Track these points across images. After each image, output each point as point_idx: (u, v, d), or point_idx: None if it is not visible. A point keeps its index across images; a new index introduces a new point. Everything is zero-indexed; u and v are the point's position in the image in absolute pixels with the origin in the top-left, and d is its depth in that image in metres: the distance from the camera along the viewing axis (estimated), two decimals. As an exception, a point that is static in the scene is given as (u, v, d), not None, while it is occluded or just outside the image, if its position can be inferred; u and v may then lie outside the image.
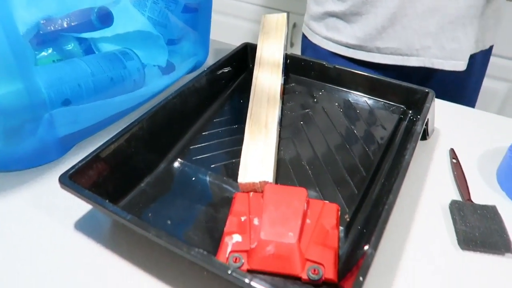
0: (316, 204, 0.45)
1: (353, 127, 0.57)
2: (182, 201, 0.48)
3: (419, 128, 0.49)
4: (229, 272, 0.34)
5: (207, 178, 0.51)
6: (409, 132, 0.52)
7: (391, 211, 0.39)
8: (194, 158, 0.53)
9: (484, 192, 0.51)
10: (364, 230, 0.42)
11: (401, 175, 0.42)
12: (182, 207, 0.47)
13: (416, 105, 0.57)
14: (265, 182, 0.46)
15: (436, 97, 0.58)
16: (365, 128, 0.57)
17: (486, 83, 1.36)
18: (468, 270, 0.42)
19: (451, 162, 0.55)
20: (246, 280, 0.33)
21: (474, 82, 0.89)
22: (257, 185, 0.47)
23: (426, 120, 0.52)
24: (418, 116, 0.52)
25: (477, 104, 1.05)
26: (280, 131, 0.56)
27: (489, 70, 0.94)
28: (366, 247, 0.36)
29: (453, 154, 0.56)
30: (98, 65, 0.56)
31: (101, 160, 0.46)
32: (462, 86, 0.87)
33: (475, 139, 0.60)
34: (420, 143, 0.59)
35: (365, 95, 0.62)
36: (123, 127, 0.49)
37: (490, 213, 0.47)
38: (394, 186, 0.41)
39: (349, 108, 0.60)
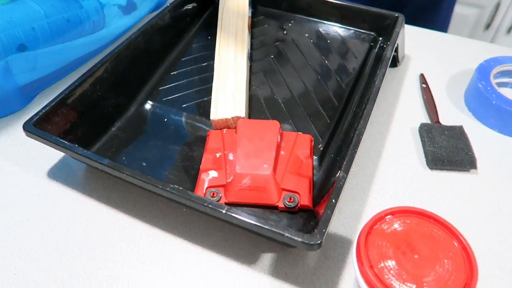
0: (290, 136, 0.46)
1: (324, 57, 0.56)
2: (156, 142, 0.48)
3: (389, 54, 0.48)
4: (206, 204, 0.34)
5: (180, 118, 0.50)
6: (379, 59, 0.52)
7: (362, 136, 0.39)
8: (165, 99, 0.52)
9: (452, 114, 0.53)
10: (337, 158, 0.43)
11: (371, 101, 0.43)
12: (156, 148, 0.47)
13: (386, 31, 0.56)
14: (238, 118, 0.46)
15: (409, 23, 0.57)
16: (336, 58, 0.56)
17: (457, 9, 1.35)
18: (436, 187, 0.45)
19: (421, 86, 0.56)
20: (223, 211, 0.34)
21: (446, 8, 0.88)
22: (229, 121, 0.47)
23: (396, 46, 0.52)
24: (388, 42, 0.51)
25: (449, 30, 1.05)
26: (250, 66, 0.55)
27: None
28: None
29: (422, 79, 0.57)
30: (52, 6, 0.52)
31: (66, 106, 0.44)
32: (434, 12, 0.86)
33: (444, 63, 0.60)
34: (391, 70, 0.59)
35: (336, 24, 0.60)
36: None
37: (457, 133, 0.48)
38: (364, 112, 0.41)
39: (320, 38, 0.59)
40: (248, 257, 0.39)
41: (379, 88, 0.45)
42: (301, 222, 0.40)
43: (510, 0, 1.28)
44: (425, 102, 0.54)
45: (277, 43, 0.58)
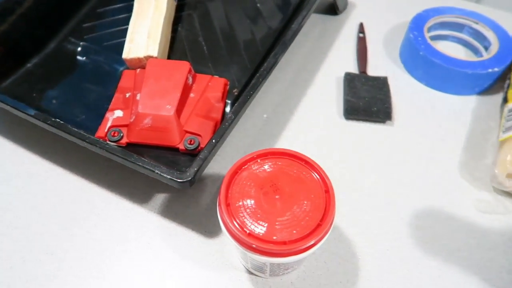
0: (203, 78, 0.44)
1: (258, 1, 0.53)
2: (71, 81, 0.46)
3: (314, -3, 0.46)
4: (83, 138, 0.34)
5: (99, 57, 0.48)
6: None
7: (262, 79, 0.38)
8: (86, 36, 0.50)
9: (384, 65, 0.51)
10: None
11: (282, 44, 0.41)
12: (70, 87, 0.46)
13: (325, -25, 0.53)
14: (151, 57, 0.45)
15: None
16: (270, 2, 0.53)
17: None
18: (347, 137, 0.44)
19: (358, 36, 0.54)
20: (97, 145, 0.33)
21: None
22: (143, 60, 0.45)
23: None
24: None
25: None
26: (180, 6, 0.53)
27: None
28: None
29: (361, 28, 0.55)
30: None
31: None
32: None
33: (389, 12, 0.58)
34: (331, 18, 0.57)
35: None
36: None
37: (380, 84, 0.47)
38: (271, 55, 0.40)
39: (259, -19, 0.56)
40: (141, 196, 0.39)
41: (295, 31, 0.43)
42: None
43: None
44: (357, 52, 0.52)
45: (213, -17, 0.56)
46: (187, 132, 0.41)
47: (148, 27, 0.46)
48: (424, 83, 0.49)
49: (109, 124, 0.42)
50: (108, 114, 0.42)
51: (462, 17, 0.51)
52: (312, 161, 0.31)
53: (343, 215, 0.38)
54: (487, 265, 0.35)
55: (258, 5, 0.53)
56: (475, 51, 0.52)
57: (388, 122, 0.45)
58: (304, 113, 0.46)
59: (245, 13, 0.52)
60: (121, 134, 0.41)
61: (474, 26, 0.51)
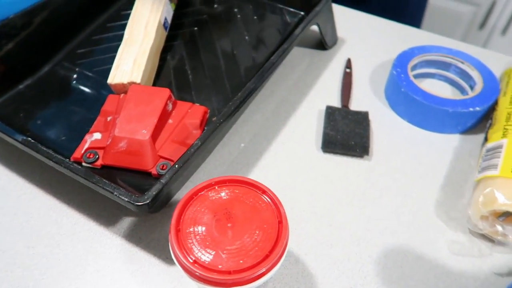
0: (183, 105, 0.45)
1: (246, 33, 0.55)
2: (59, 103, 0.48)
3: (298, 31, 0.47)
4: (52, 159, 0.34)
5: (87, 82, 0.50)
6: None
7: (235, 107, 0.39)
8: (79, 61, 0.52)
9: (369, 100, 0.51)
10: (222, 130, 0.42)
11: (258, 76, 0.42)
12: (57, 109, 0.47)
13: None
14: (134, 83, 0.46)
15: (377, 14, 0.55)
16: (259, 35, 0.55)
17: (451, 5, 1.30)
18: (325, 170, 0.43)
19: (344, 71, 0.54)
20: (62, 165, 0.34)
21: (416, 1, 0.85)
22: (127, 86, 0.46)
23: (323, 27, 0.50)
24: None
25: (425, 24, 1.01)
26: (171, 36, 0.55)
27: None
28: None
29: (348, 63, 0.55)
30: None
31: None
32: (403, 4, 0.83)
33: (377, 49, 0.58)
34: (320, 53, 0.58)
35: (267, 1, 0.59)
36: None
37: (360, 119, 0.47)
38: (246, 86, 0.40)
39: (248, 15, 0.58)
40: (109, 219, 0.39)
41: (274, 63, 0.44)
42: (169, 190, 0.40)
43: (507, -1, 1.23)
44: (342, 86, 0.52)
45: (205, 15, 0.58)
46: (161, 157, 0.41)
47: (135, 54, 0.48)
48: (407, 120, 0.48)
49: (86, 146, 0.42)
50: (87, 136, 0.43)
51: (449, 56, 0.51)
52: (269, 190, 0.31)
53: (309, 248, 0.37)
54: (456, 311, 0.33)
55: (247, 37, 0.54)
56: (462, 90, 0.52)
57: (366, 156, 0.45)
58: (281, 143, 0.46)
59: (232, 44, 0.54)
60: (97, 156, 0.42)
61: (460, 65, 0.51)
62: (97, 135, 0.43)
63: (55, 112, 0.47)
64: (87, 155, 0.42)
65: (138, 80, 0.46)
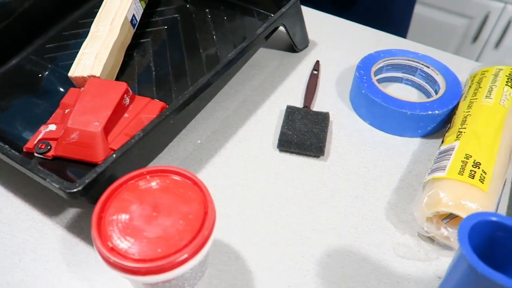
0: (141, 100, 0.45)
1: (214, 33, 0.55)
2: (22, 95, 0.48)
3: (260, 31, 0.47)
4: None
5: (52, 76, 0.50)
6: (266, 38, 0.51)
7: (183, 101, 0.39)
8: (47, 56, 0.53)
9: (332, 102, 0.51)
10: (176, 125, 0.42)
11: (211, 72, 0.42)
12: (20, 101, 0.48)
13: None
14: (94, 77, 0.46)
15: (362, 23, 0.55)
16: (228, 35, 0.55)
17: (445, 18, 1.30)
18: (279, 169, 0.43)
19: (311, 72, 0.54)
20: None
21: (400, 11, 0.85)
22: (87, 79, 0.47)
23: (288, 28, 0.50)
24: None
25: (418, 37, 1.00)
26: (139, 34, 0.55)
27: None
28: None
29: (316, 65, 0.55)
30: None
31: None
32: (387, 14, 0.83)
33: (348, 53, 0.58)
34: (290, 55, 0.57)
35: (238, 2, 0.59)
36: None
37: (319, 119, 0.46)
38: (200, 80, 0.40)
39: (218, 15, 0.58)
40: (53, 209, 0.39)
41: (231, 60, 0.44)
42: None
43: (500, 10, 1.22)
44: (307, 87, 0.52)
45: (176, 15, 0.58)
46: (112, 150, 0.41)
47: (98, 48, 0.48)
48: (368, 122, 0.48)
49: (40, 137, 0.42)
50: (42, 128, 0.43)
51: (414, 60, 0.51)
52: (200, 182, 0.30)
53: (252, 246, 0.36)
54: (394, 314, 0.33)
55: (215, 37, 0.54)
56: (428, 94, 0.51)
57: (322, 157, 0.44)
58: (238, 142, 0.46)
59: (200, 43, 0.54)
60: (49, 147, 0.42)
61: (426, 69, 0.50)
62: (52, 127, 0.43)
63: (17, 104, 0.47)
64: (39, 146, 0.42)
65: (98, 74, 0.46)
